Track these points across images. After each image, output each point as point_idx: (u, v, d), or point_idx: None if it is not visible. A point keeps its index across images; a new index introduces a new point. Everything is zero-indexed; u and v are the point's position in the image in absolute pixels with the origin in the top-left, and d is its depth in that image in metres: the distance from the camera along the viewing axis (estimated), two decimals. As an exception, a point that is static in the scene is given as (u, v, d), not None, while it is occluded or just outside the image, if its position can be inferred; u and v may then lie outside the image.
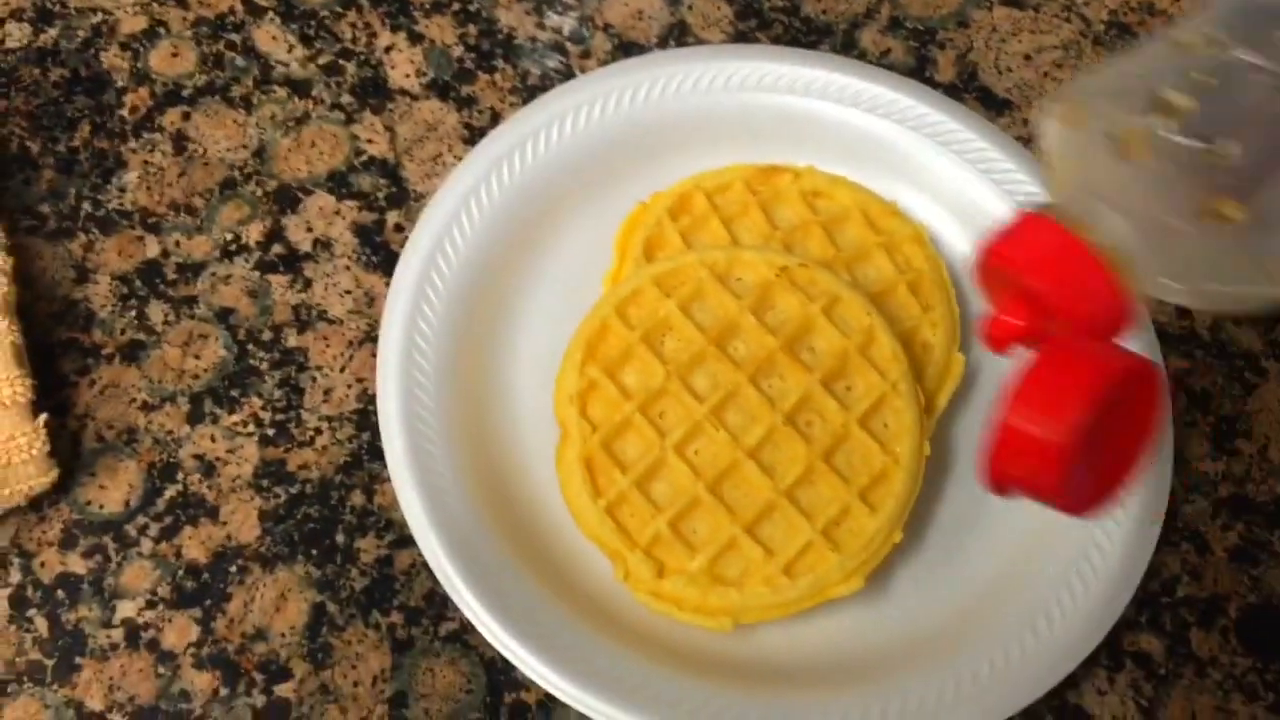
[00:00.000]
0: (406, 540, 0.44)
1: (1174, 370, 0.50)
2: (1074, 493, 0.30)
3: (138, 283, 0.49)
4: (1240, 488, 0.48)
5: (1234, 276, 0.31)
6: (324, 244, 0.50)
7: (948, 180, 0.52)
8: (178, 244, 0.50)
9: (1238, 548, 0.47)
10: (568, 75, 0.55)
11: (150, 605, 0.44)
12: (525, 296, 0.49)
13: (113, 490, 0.45)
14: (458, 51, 0.55)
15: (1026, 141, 0.55)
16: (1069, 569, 0.44)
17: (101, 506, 0.45)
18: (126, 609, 0.44)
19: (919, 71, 0.56)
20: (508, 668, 0.43)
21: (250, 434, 0.47)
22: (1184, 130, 0.29)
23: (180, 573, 0.44)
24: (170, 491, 0.45)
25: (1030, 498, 0.31)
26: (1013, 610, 0.44)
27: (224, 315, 0.49)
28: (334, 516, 0.46)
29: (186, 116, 0.53)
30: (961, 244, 0.52)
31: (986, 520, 0.47)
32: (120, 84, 0.53)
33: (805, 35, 0.57)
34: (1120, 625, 0.44)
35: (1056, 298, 0.31)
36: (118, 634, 0.43)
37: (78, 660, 0.43)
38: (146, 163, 0.51)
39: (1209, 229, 0.29)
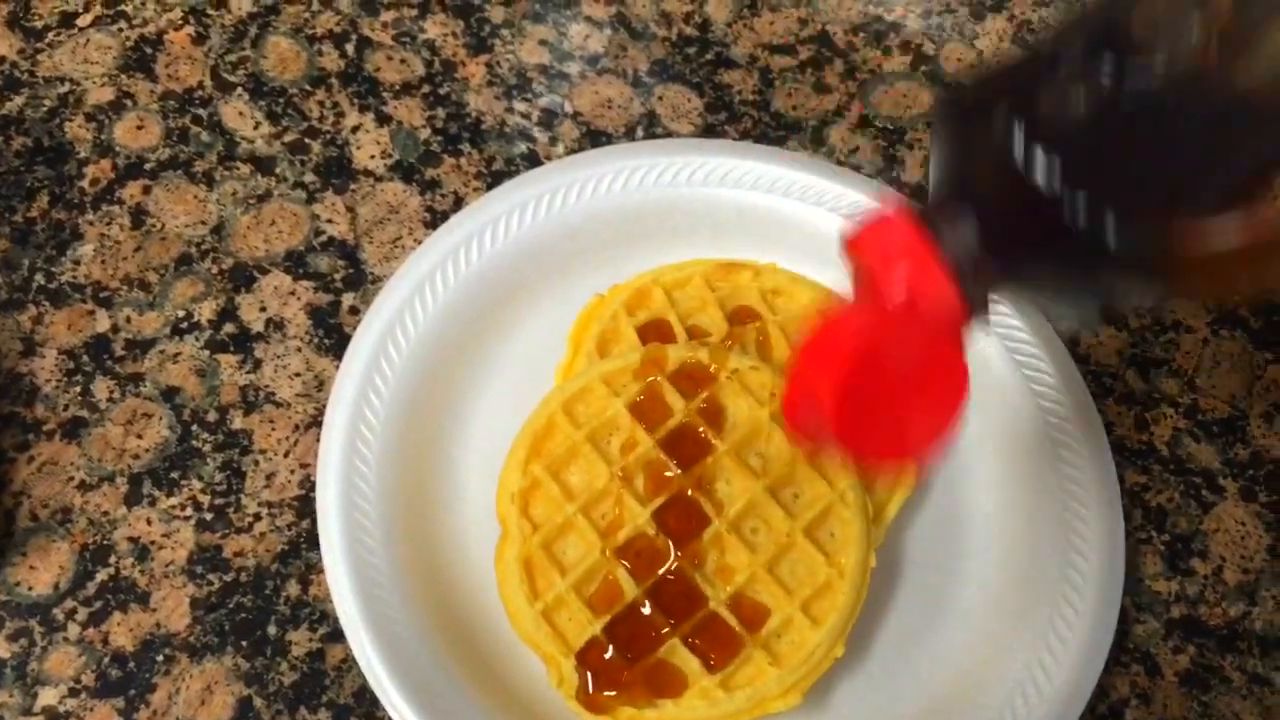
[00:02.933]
0: (340, 634, 0.43)
1: (1130, 485, 0.50)
2: (864, 444, 0.33)
3: (85, 358, 0.48)
4: (1193, 609, 0.48)
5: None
6: (277, 324, 0.50)
7: (909, 283, 0.51)
8: (128, 319, 0.49)
9: (1189, 672, 0.46)
10: (534, 161, 0.55)
11: (73, 693, 0.43)
12: (476, 386, 0.49)
13: (43, 572, 0.44)
14: (425, 134, 0.55)
15: (991, 246, 0.54)
16: (1014, 689, 0.44)
17: (30, 588, 0.44)
18: (48, 696, 0.43)
19: (887, 171, 0.56)
20: (435, 772, 0.42)
21: (188, 518, 0.46)
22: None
23: (106, 660, 0.43)
24: (102, 575, 0.45)
25: (827, 447, 0.34)
26: (956, 730, 0.43)
27: (170, 394, 0.48)
28: (267, 607, 0.45)
29: (147, 190, 0.52)
30: (920, 348, 0.51)
31: (932, 636, 0.46)
32: (82, 155, 0.53)
33: (774, 130, 0.57)
34: (1065, 749, 0.43)
35: (891, 292, 0.31)
36: (36, 722, 0.42)
37: (-7, 749, 0.42)
38: (103, 235, 0.51)
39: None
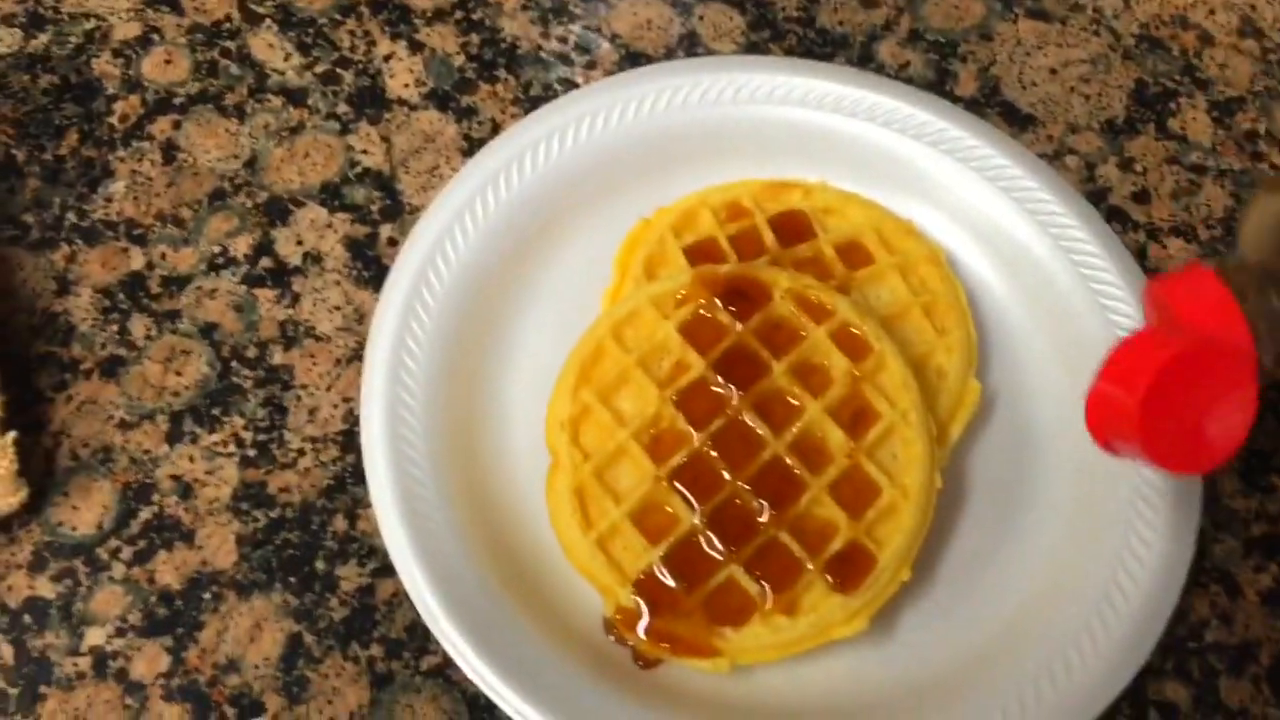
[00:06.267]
0: (389, 568, 0.42)
1: (1204, 401, 0.47)
2: (1169, 450, 0.35)
3: (120, 296, 0.47)
4: (1274, 527, 0.46)
5: None
6: (314, 258, 0.49)
7: (967, 199, 0.49)
8: (163, 256, 0.48)
9: (1271, 591, 0.44)
10: (572, 86, 0.53)
11: (120, 633, 0.42)
12: (520, 314, 0.47)
13: (85, 511, 0.44)
14: (459, 61, 0.53)
15: (1051, 158, 0.52)
16: (1089, 611, 0.42)
17: (74, 528, 0.43)
18: (95, 636, 0.42)
19: (939, 85, 0.54)
20: (491, 706, 0.41)
21: (230, 454, 0.45)
22: None
23: (152, 599, 0.42)
24: (145, 514, 0.44)
25: (1129, 451, 0.36)
26: (1029, 655, 0.41)
27: (208, 331, 0.47)
28: (314, 542, 0.44)
29: (177, 125, 0.51)
30: (981, 265, 0.49)
31: (1002, 557, 0.44)
32: (111, 91, 0.52)
33: (820, 47, 0.55)
34: (1145, 673, 0.41)
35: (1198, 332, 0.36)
36: (85, 663, 0.41)
37: (42, 689, 0.41)
38: (134, 172, 0.50)
39: None
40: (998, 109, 0.54)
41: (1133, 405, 0.35)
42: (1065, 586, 0.43)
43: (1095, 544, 0.43)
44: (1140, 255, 0.50)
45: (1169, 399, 0.35)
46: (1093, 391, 0.37)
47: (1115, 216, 0.51)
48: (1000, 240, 0.49)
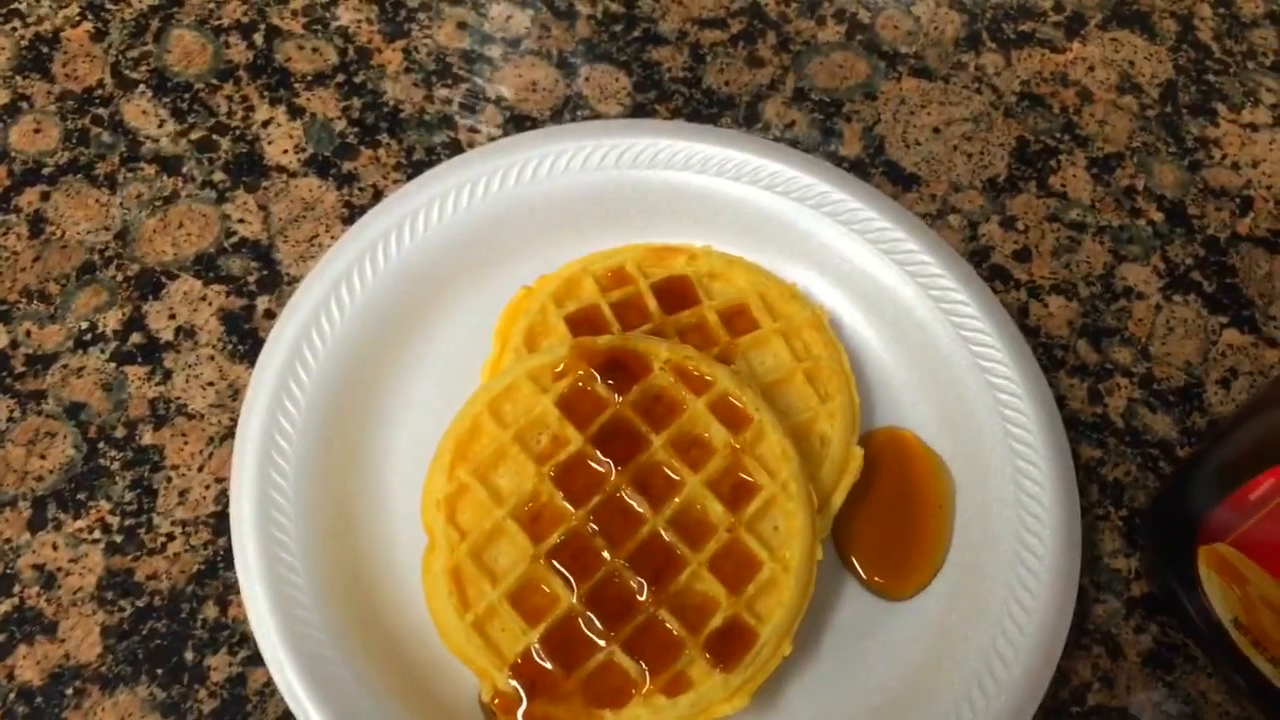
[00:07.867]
0: (261, 656, 0.41)
1: (1085, 460, 0.48)
2: None
3: (-18, 376, 0.46)
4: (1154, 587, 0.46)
5: None
6: (187, 332, 0.47)
7: (851, 262, 0.49)
8: (28, 334, 0.47)
9: (1152, 652, 0.45)
10: (456, 150, 0.53)
11: (-24, 734, 0.40)
12: (399, 389, 0.47)
13: (-59, 606, 0.42)
14: (340, 125, 0.53)
15: (934, 218, 0.53)
16: (970, 680, 0.42)
17: (-72, 624, 0.42)
18: (-51, 739, 0.40)
19: (824, 145, 0.54)
20: (367, 797, 0.40)
21: (96, 541, 0.43)
22: None
23: (11, 696, 0.41)
24: (5, 606, 0.42)
25: None
26: (912, 725, 0.41)
27: (74, 411, 0.45)
28: (184, 631, 0.42)
29: (45, 196, 0.50)
30: (864, 328, 0.49)
31: (883, 629, 0.44)
32: (-24, 162, 0.50)
33: (706, 108, 0.55)
34: (1027, 739, 0.41)
35: None
36: (-63, 767, 0.40)
37: (-109, 798, 0.39)
38: (-1, 246, 0.48)
39: None
40: (882, 168, 0.54)
41: None
42: (948, 655, 0.43)
43: (976, 611, 0.43)
44: (1022, 314, 0.51)
45: None
46: None
47: (997, 275, 0.52)
48: (883, 303, 0.49)
